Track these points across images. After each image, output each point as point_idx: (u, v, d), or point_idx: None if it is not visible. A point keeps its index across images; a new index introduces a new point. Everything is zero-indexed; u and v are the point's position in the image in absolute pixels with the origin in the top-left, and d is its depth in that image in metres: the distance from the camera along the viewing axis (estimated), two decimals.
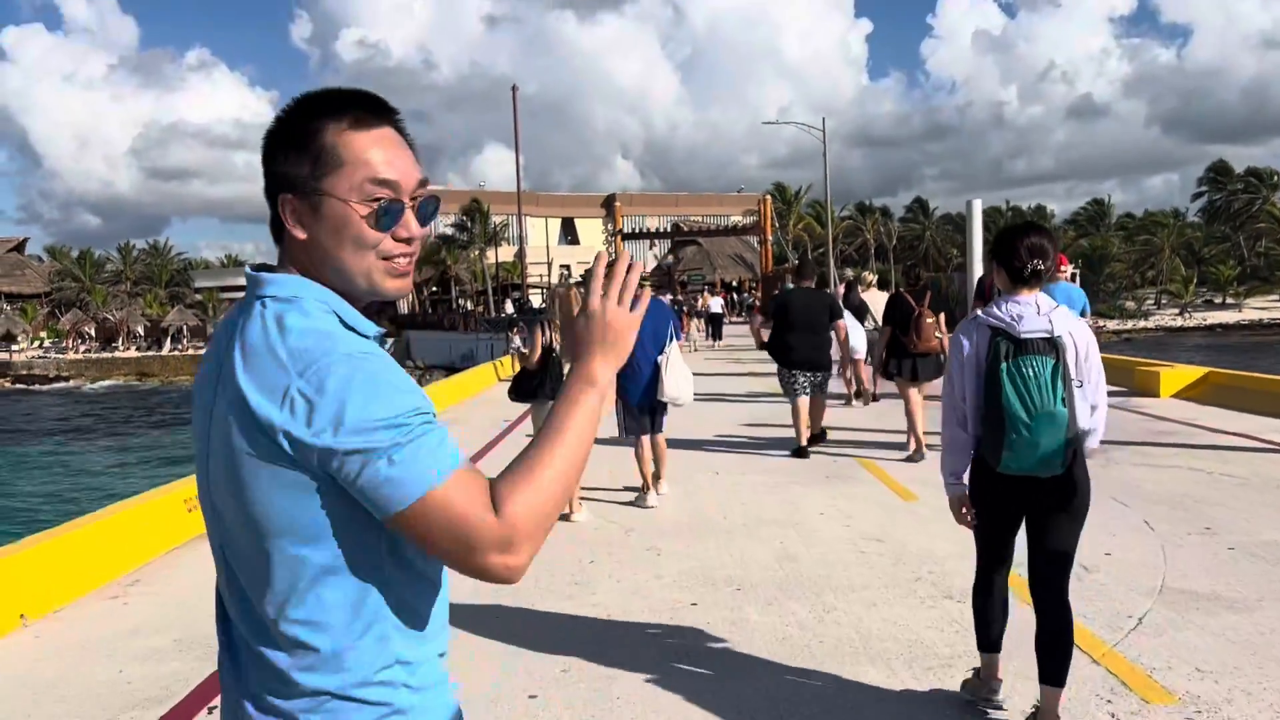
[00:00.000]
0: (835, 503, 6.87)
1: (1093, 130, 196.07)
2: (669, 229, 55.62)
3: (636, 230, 55.02)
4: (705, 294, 37.28)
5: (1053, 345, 3.04)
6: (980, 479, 3.24)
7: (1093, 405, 3.15)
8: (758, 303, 41.78)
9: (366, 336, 1.24)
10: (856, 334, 11.49)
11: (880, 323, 11.94)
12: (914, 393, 8.52)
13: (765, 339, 9.07)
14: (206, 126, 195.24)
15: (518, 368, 6.73)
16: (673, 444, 8.46)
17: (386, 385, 1.15)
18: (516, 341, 6.48)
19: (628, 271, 1.33)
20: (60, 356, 59.84)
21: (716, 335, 27.44)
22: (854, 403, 12.13)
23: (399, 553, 1.22)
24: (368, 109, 1.26)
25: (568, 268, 63.09)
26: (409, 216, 1.26)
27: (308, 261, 1.25)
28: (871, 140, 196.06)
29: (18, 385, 52.60)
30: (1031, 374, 3.01)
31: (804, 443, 8.74)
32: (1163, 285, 67.38)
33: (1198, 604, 4.53)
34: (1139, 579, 4.92)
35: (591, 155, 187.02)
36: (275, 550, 1.17)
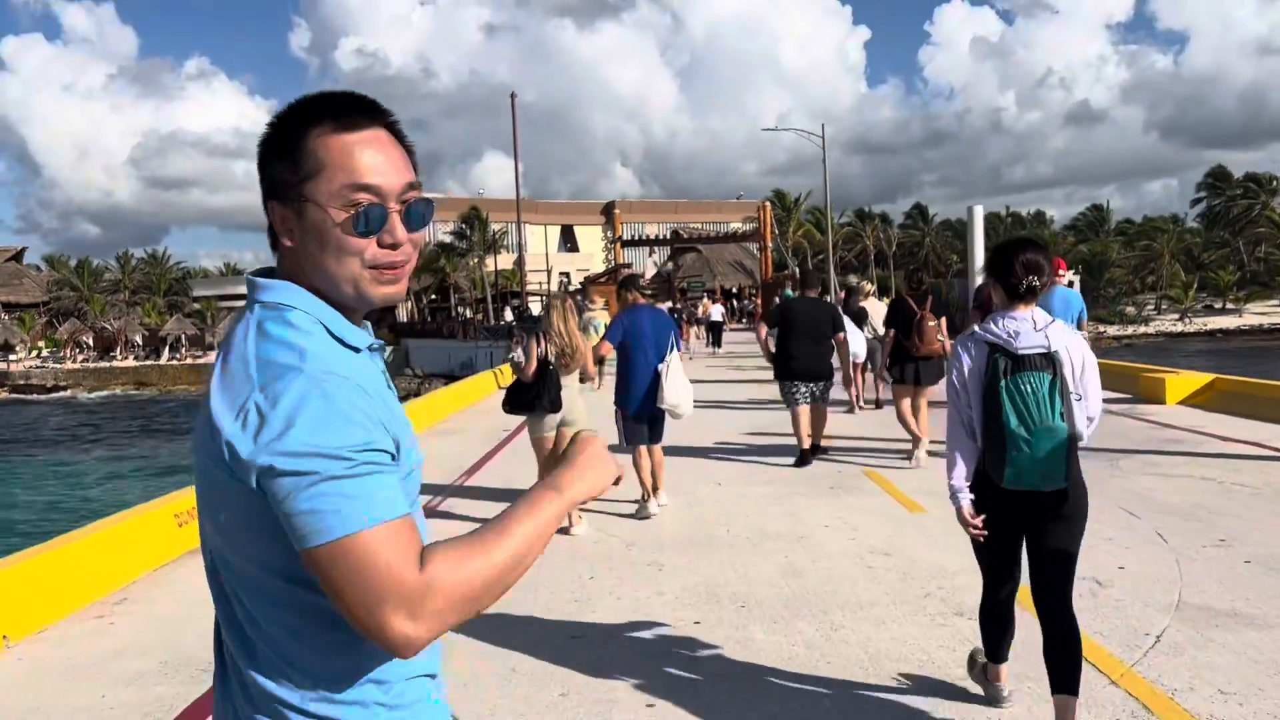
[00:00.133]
0: (840, 515, 6.73)
1: (1091, 136, 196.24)
2: (668, 236, 55.56)
3: (636, 237, 54.91)
4: (705, 301, 37.19)
5: (1050, 361, 3.09)
6: (984, 495, 3.24)
7: (1089, 418, 3.18)
8: (758, 310, 41.70)
9: (356, 349, 1.21)
10: (856, 340, 11.48)
11: (877, 330, 12.03)
12: (905, 402, 8.59)
13: (774, 349, 9.00)
14: (205, 135, 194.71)
15: (514, 378, 6.57)
16: (674, 453, 8.34)
17: (340, 414, 1.09)
18: (517, 353, 6.31)
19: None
20: (58, 366, 59.67)
21: (716, 343, 27.42)
22: (856, 410, 12.09)
23: None
24: (354, 111, 1.22)
25: (567, 275, 63.05)
26: (394, 221, 1.21)
27: (298, 269, 1.22)
28: (870, 147, 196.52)
29: (15, 395, 52.42)
30: (1030, 390, 3.05)
31: (805, 447, 8.64)
32: (1163, 291, 67.34)
33: (1217, 620, 4.38)
34: (1155, 594, 4.78)
35: (590, 163, 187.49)
36: (242, 562, 1.16)
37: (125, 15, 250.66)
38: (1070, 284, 13.45)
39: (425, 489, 7.47)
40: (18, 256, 74.15)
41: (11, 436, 33.15)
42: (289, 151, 1.20)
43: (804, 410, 8.62)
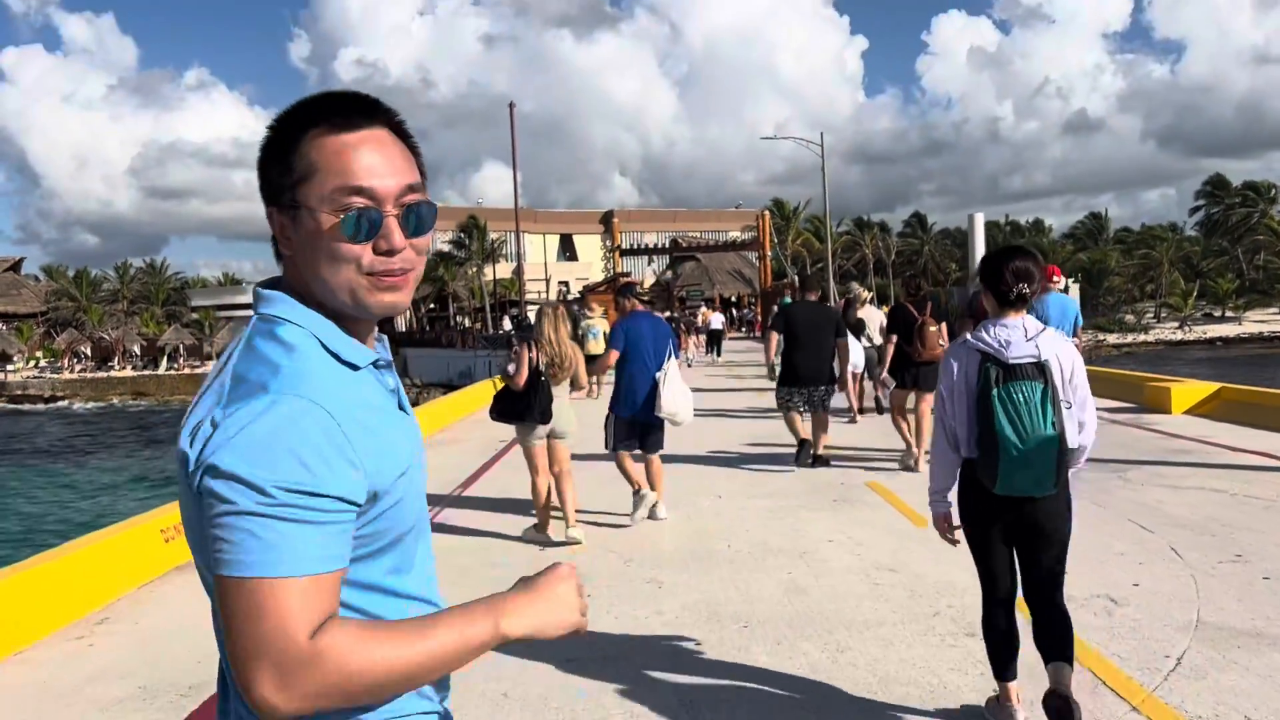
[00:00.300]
0: (844, 529, 6.56)
1: (1088, 145, 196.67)
2: (667, 245, 55.53)
3: (635, 246, 54.89)
4: (705, 310, 37.08)
5: (1041, 370, 3.13)
6: (976, 500, 3.31)
7: (1081, 422, 3.24)
8: (758, 319, 41.56)
9: (355, 366, 1.14)
10: (854, 351, 11.43)
11: (874, 339, 12.02)
12: (902, 407, 8.76)
13: (777, 365, 9.06)
14: (205, 145, 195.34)
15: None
16: (673, 462, 8.18)
17: (284, 446, 1.01)
18: (513, 367, 6.16)
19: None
20: (55, 376, 59.44)
21: (716, 351, 27.28)
22: (857, 419, 12.03)
23: (354, 584, 1.11)
24: (353, 110, 1.15)
25: (566, 284, 62.91)
26: (390, 226, 1.13)
27: (298, 278, 1.16)
28: (868, 156, 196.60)
29: (12, 406, 52.17)
30: (1022, 399, 3.10)
31: (802, 437, 8.78)
32: (1162, 299, 67.21)
33: (1238, 641, 4.22)
34: (1172, 613, 4.61)
35: (589, 172, 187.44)
36: (209, 580, 1.10)
37: (125, 26, 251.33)
38: (1065, 289, 13.39)
39: None
40: (15, 266, 73.97)
41: (6, 448, 32.92)
42: (284, 155, 1.14)
43: (799, 415, 8.76)
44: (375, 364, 1.19)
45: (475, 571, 5.77)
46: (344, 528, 1.05)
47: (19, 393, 55.38)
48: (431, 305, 61.48)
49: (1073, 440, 3.18)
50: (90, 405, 51.04)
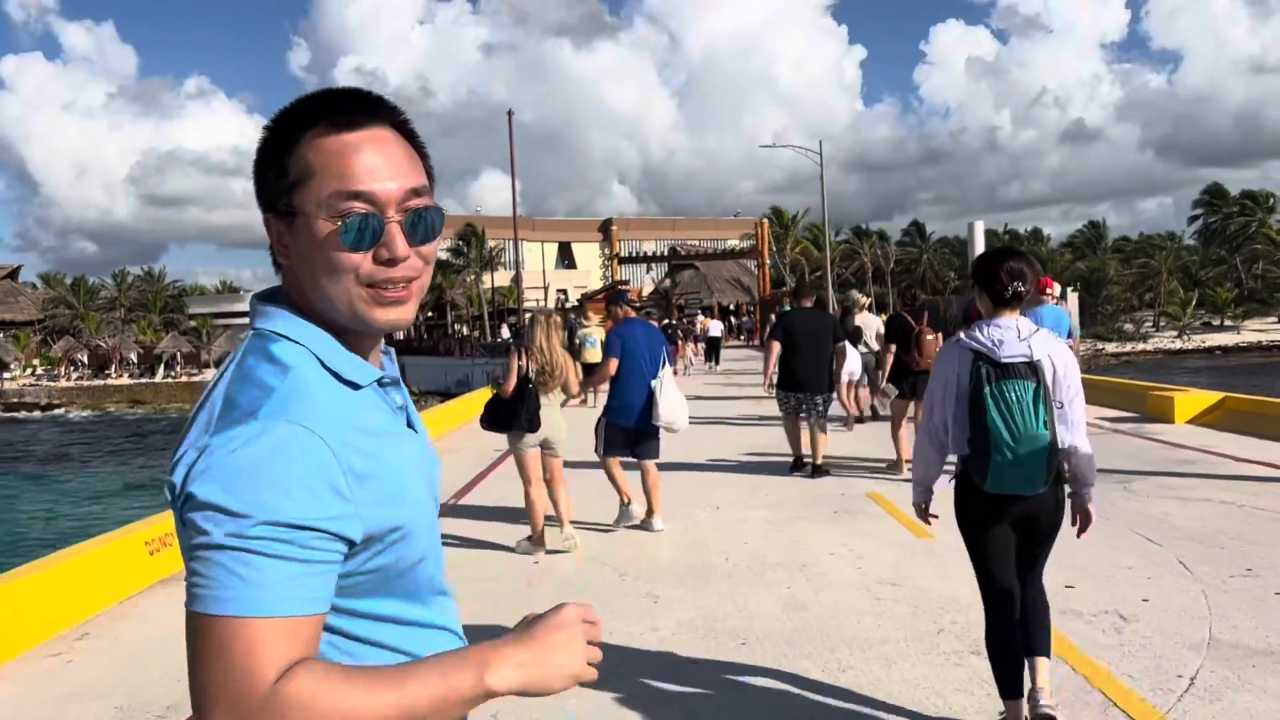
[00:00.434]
0: (845, 541, 6.42)
1: (1086, 154, 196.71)
2: (666, 253, 55.48)
3: (633, 254, 54.83)
4: (703, 318, 37.00)
5: (1033, 369, 3.14)
6: (969, 499, 3.32)
7: (1073, 420, 3.25)
8: (756, 326, 41.46)
9: (357, 385, 1.05)
10: (850, 358, 11.37)
11: (871, 345, 12.00)
12: (902, 418, 8.81)
13: (774, 374, 9.01)
14: (204, 153, 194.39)
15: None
16: (670, 471, 8.04)
17: (269, 477, 0.93)
18: (502, 376, 6.06)
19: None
20: (52, 384, 59.29)
21: (715, 359, 27.19)
22: (853, 426, 12.01)
23: (346, 612, 1.04)
24: (354, 109, 1.06)
25: (564, 292, 62.84)
26: (392, 233, 1.04)
27: (296, 288, 1.09)
28: (867, 165, 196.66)
29: (9, 414, 51.97)
30: (1014, 398, 3.10)
31: (799, 453, 8.89)
32: (1161, 308, 67.16)
33: (1253, 660, 4.08)
34: (1183, 630, 4.47)
35: (588, 181, 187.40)
36: None
37: (125, 34, 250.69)
38: (1063, 297, 13.32)
39: None
40: (13, 274, 73.85)
41: (1, 455, 32.73)
42: (280, 156, 1.06)
43: (794, 421, 8.80)
44: (379, 382, 1.10)
45: (468, 586, 5.63)
46: (328, 566, 0.95)
47: (15, 400, 55.18)
48: (429, 313, 61.41)
49: (1064, 440, 3.19)
50: (87, 413, 50.80)
